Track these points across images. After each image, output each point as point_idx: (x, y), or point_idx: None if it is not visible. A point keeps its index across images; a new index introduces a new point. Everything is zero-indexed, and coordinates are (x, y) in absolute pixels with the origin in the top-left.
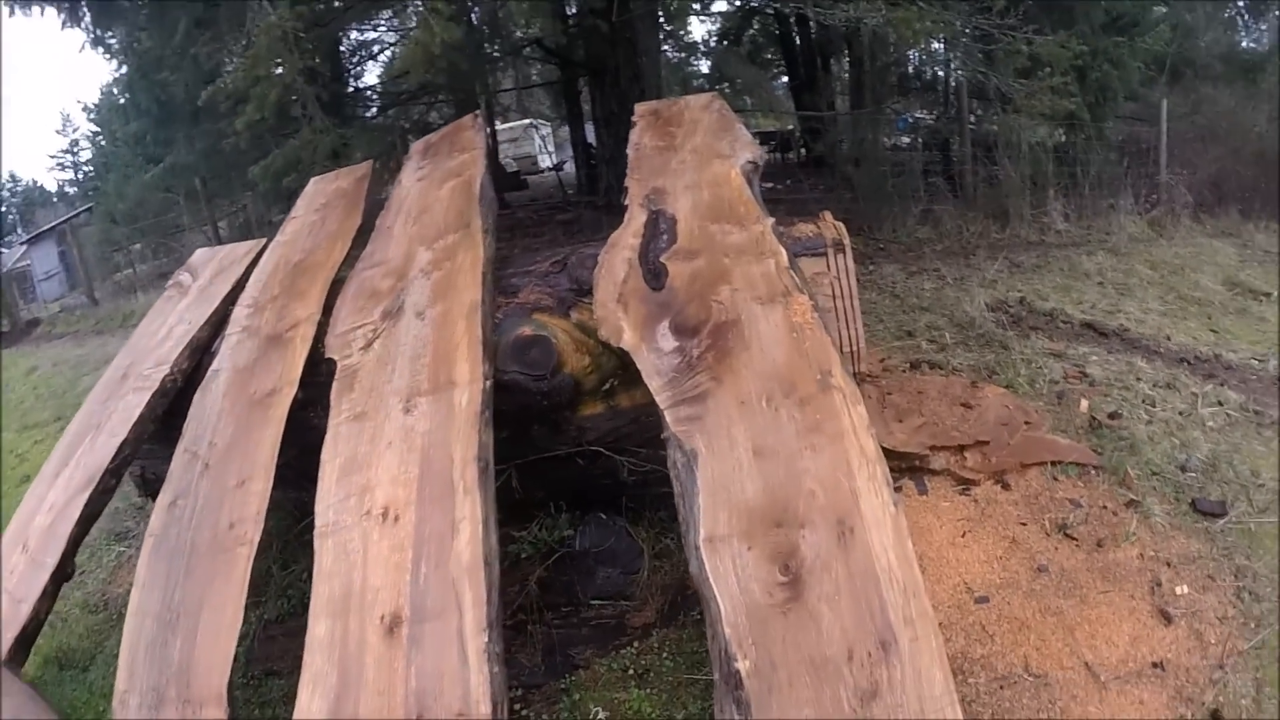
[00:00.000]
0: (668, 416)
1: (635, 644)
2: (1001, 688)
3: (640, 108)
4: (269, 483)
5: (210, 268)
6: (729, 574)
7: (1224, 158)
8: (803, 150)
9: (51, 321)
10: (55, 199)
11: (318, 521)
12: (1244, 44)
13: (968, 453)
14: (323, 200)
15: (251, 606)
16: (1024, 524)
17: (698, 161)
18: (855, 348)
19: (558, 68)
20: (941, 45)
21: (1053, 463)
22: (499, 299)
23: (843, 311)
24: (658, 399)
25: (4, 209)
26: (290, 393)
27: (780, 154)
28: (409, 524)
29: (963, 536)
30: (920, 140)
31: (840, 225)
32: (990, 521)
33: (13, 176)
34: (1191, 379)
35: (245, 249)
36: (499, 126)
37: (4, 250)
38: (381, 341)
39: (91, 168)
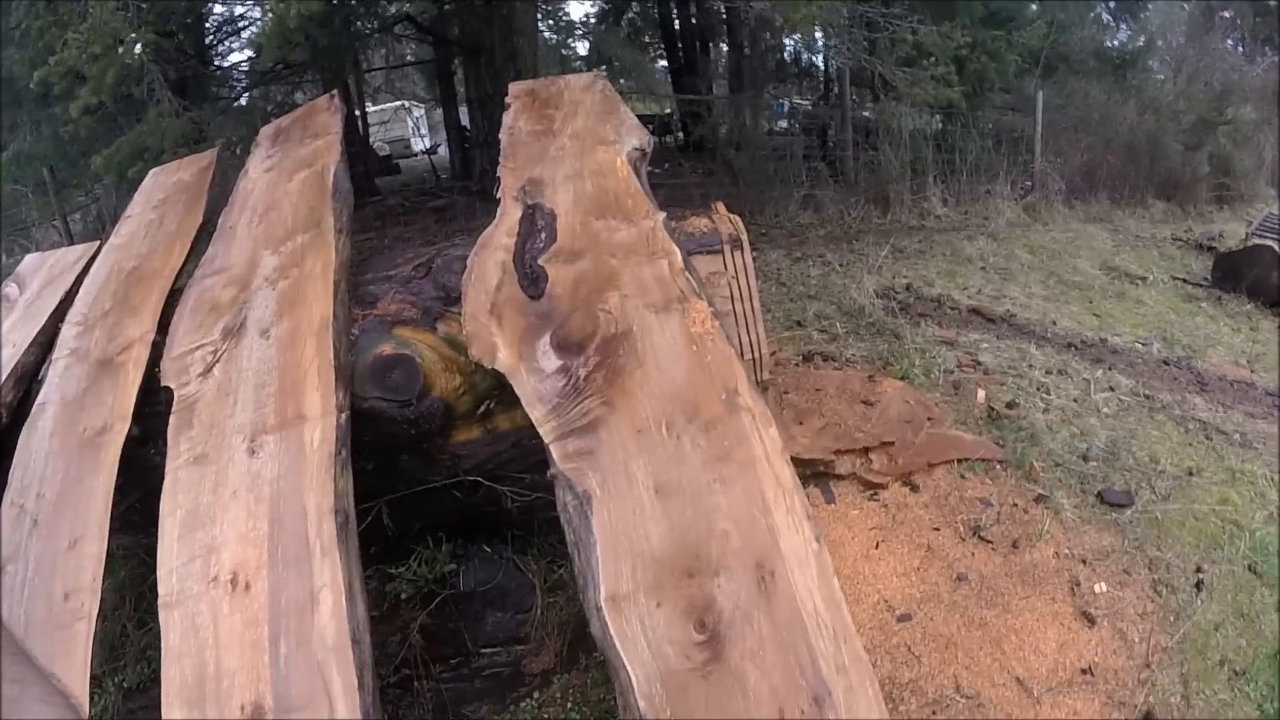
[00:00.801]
0: (554, 451)
1: (535, 694)
2: (934, 713)
3: (515, 87)
4: (104, 543)
5: (39, 277)
6: (638, 637)
7: (1095, 148)
8: (681, 134)
9: None
10: None
11: (161, 589)
12: (1112, 42)
13: (873, 454)
14: (161, 195)
15: (109, 673)
16: (937, 529)
17: (579, 148)
18: (757, 354)
19: (431, 47)
20: (822, 33)
21: (959, 460)
22: (355, 311)
23: (743, 315)
24: (541, 430)
25: None
26: (123, 429)
27: (659, 138)
28: (262, 593)
29: (876, 548)
30: (798, 125)
31: (737, 219)
32: (903, 529)
33: None
34: (1081, 364)
35: (76, 254)
36: (370, 108)
37: None
38: (223, 366)
39: None
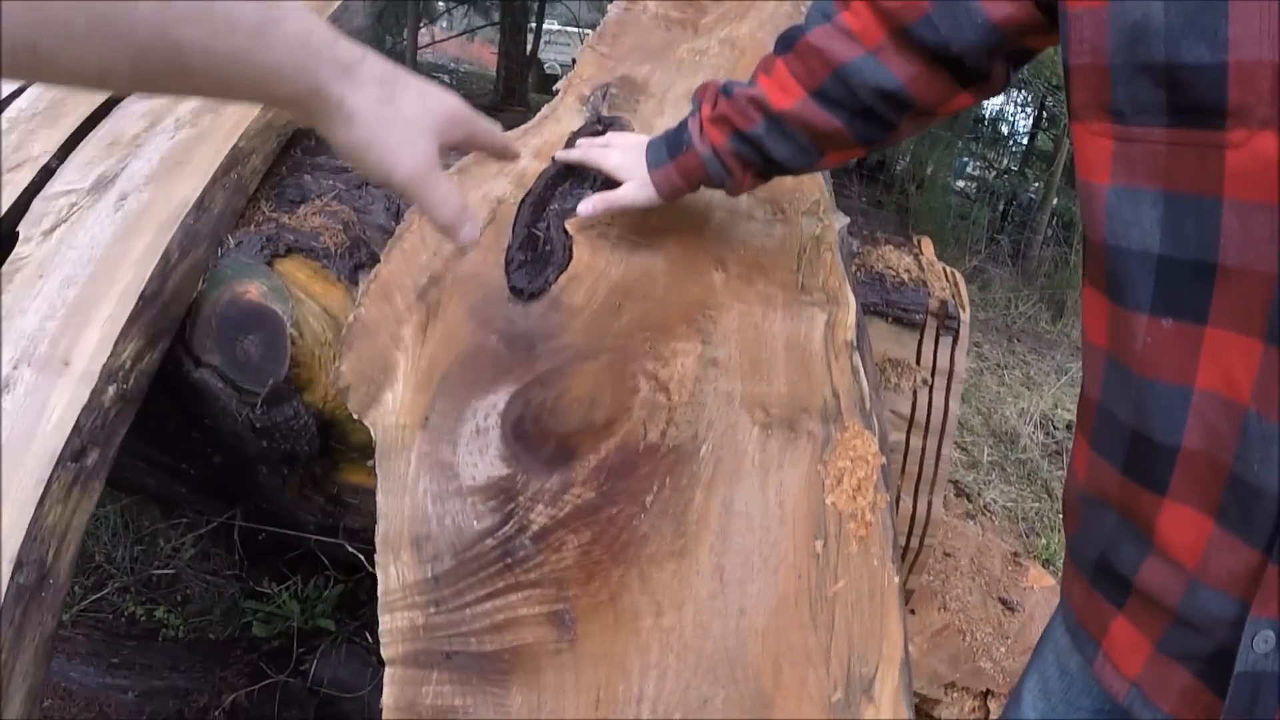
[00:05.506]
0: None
1: None
2: None
3: None
4: None
5: None
6: None
7: None
8: None
9: None
10: None
11: None
12: None
13: (994, 704)
14: None
15: None
16: None
17: (731, 61)
18: (918, 539)
19: None
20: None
21: None
22: (265, 210)
23: (916, 461)
24: (384, 650)
25: None
26: None
27: None
28: None
29: None
30: (975, 189)
31: (958, 278)
32: None
33: None
34: None
35: None
36: (549, 26)
37: None
38: (66, 229)
39: None
